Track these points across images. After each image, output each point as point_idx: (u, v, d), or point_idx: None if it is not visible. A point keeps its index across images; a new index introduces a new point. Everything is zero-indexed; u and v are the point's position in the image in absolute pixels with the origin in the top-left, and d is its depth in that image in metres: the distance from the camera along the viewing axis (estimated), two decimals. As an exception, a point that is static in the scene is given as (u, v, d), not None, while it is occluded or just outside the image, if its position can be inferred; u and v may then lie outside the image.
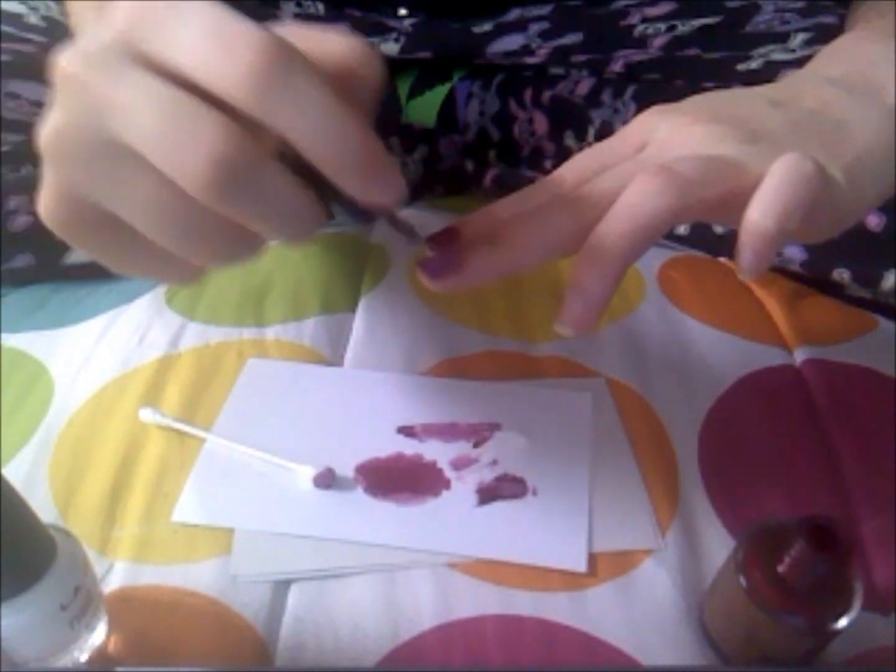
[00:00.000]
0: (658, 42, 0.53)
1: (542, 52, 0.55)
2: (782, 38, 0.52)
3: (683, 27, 0.52)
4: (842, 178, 0.29)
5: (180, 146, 0.22)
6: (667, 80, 0.56)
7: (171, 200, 0.23)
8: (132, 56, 0.23)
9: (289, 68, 0.22)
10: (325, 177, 0.24)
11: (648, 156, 0.31)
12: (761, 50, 0.53)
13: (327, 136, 0.22)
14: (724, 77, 0.54)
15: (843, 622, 0.30)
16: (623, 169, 0.30)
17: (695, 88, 0.53)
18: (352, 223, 0.27)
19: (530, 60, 0.57)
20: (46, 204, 0.25)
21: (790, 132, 0.30)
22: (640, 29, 0.52)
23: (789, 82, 0.35)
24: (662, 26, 0.52)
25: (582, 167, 0.32)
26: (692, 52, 0.54)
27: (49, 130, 0.23)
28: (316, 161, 0.23)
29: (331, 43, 0.25)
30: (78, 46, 0.23)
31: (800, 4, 0.51)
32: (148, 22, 0.23)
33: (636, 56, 0.55)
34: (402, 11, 0.52)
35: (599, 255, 0.27)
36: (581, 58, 0.56)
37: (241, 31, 0.22)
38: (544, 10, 0.51)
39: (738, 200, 0.28)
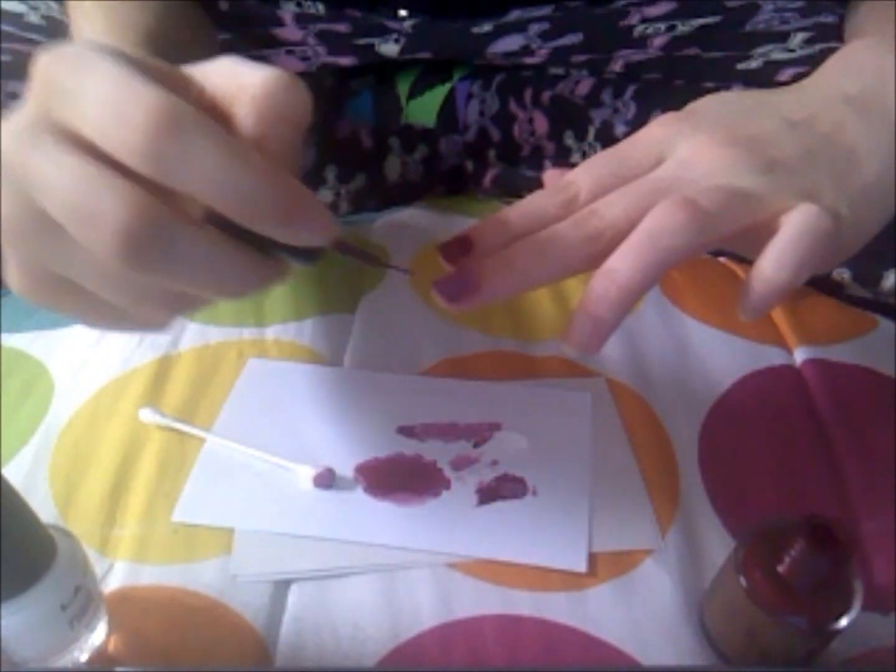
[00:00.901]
0: (658, 42, 0.53)
1: (542, 53, 0.55)
2: (782, 37, 0.52)
3: (683, 27, 0.52)
4: (847, 213, 0.29)
5: (88, 219, 0.22)
6: (667, 80, 0.56)
7: (103, 266, 0.23)
8: (49, 128, 0.23)
9: (183, 129, 0.21)
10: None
11: (666, 176, 0.30)
12: (761, 49, 0.53)
13: (234, 189, 0.22)
14: (725, 77, 0.54)
15: (843, 622, 0.30)
16: (640, 190, 0.30)
17: (695, 88, 0.53)
18: (301, 264, 0.27)
19: (530, 61, 0.57)
20: (11, 278, 0.26)
21: (805, 162, 0.30)
22: (639, 29, 0.52)
23: (805, 96, 0.34)
24: (662, 26, 0.52)
25: (597, 175, 0.31)
26: (692, 51, 0.54)
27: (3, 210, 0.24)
28: (230, 214, 0.22)
29: (251, 76, 0.24)
30: (10, 124, 0.24)
31: (799, 4, 0.51)
32: (56, 90, 0.23)
33: (636, 56, 0.55)
34: (402, 13, 0.52)
35: (614, 283, 0.27)
36: (581, 58, 0.56)
37: (133, 96, 0.21)
38: (544, 10, 0.51)
39: (751, 233, 0.28)
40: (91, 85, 0.22)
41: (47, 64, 0.24)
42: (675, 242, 0.27)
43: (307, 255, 0.26)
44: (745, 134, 0.31)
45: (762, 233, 0.28)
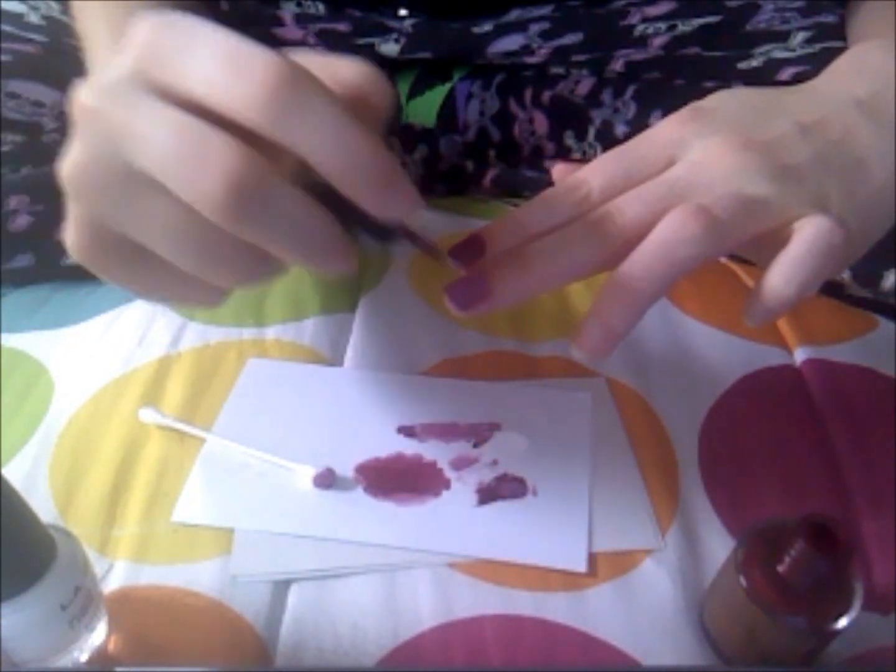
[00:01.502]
0: (658, 41, 0.53)
1: (542, 52, 0.55)
2: (783, 36, 0.52)
3: (684, 26, 0.52)
4: (853, 220, 0.29)
5: (194, 170, 0.22)
6: (667, 80, 0.56)
7: (189, 225, 0.23)
8: (147, 86, 0.23)
9: (301, 88, 0.22)
10: (344, 198, 0.24)
11: (679, 179, 0.30)
12: (761, 49, 0.53)
13: (342, 152, 0.23)
14: (725, 76, 0.54)
15: (843, 622, 0.30)
16: (653, 192, 0.30)
17: (695, 88, 0.53)
18: (373, 243, 0.28)
19: (530, 60, 0.57)
20: (72, 237, 0.26)
21: (816, 167, 0.30)
22: (640, 28, 0.52)
23: (817, 98, 0.34)
24: (663, 26, 0.52)
25: (609, 174, 0.31)
26: (693, 51, 0.54)
27: (69, 164, 0.24)
28: (332, 177, 0.23)
29: (343, 69, 0.25)
30: (94, 80, 0.24)
31: (800, 3, 0.51)
32: (161, 52, 0.23)
33: (637, 56, 0.55)
34: (403, 12, 0.52)
35: (627, 291, 0.27)
36: (581, 57, 0.56)
37: (253, 55, 0.22)
38: (544, 10, 0.51)
39: (762, 240, 0.28)
40: (205, 47, 0.23)
41: (151, 29, 0.24)
42: (689, 253, 0.27)
43: (384, 234, 0.27)
44: (758, 138, 0.31)
45: (772, 240, 0.29)
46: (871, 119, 0.32)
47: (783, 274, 0.28)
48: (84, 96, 0.24)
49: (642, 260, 0.27)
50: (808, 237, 0.28)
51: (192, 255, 0.24)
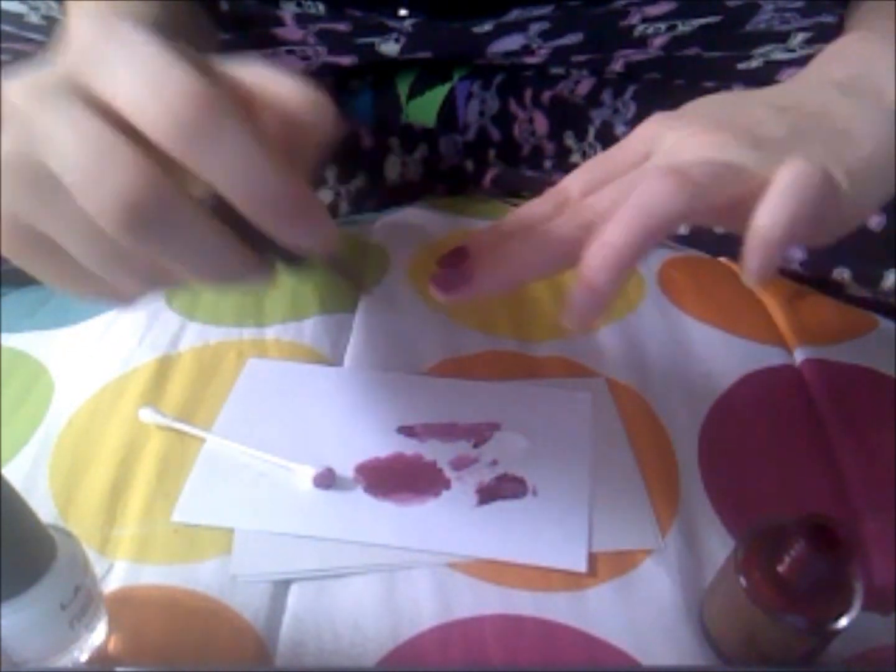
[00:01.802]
0: (658, 42, 0.53)
1: (542, 53, 0.55)
2: (782, 37, 0.52)
3: (684, 27, 0.52)
4: (845, 183, 0.29)
5: (96, 181, 0.22)
6: (667, 80, 0.56)
7: (93, 231, 0.24)
8: (73, 90, 0.23)
9: (214, 117, 0.22)
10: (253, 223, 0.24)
11: (653, 165, 0.31)
12: (761, 49, 0.53)
13: (250, 183, 0.23)
14: (725, 77, 0.54)
15: (843, 622, 0.30)
16: (628, 179, 0.30)
17: (695, 88, 0.53)
18: (287, 269, 0.28)
19: (530, 60, 0.57)
20: None
21: (794, 139, 0.30)
22: (640, 29, 0.52)
23: (792, 86, 0.35)
24: (662, 26, 0.52)
25: (587, 178, 0.32)
26: (692, 51, 0.54)
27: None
28: (241, 207, 0.23)
29: (285, 88, 0.25)
30: (26, 78, 0.24)
31: (799, 4, 0.51)
32: (93, 57, 0.23)
33: (636, 56, 0.55)
34: (403, 12, 0.52)
35: (608, 250, 0.27)
36: (581, 58, 0.56)
37: (175, 76, 0.22)
38: (544, 10, 0.51)
39: (743, 206, 0.28)
40: (132, 58, 0.23)
41: (91, 32, 0.24)
42: (666, 208, 0.27)
43: (296, 261, 0.27)
44: (731, 122, 0.31)
45: (754, 206, 0.28)
46: (849, 95, 0.32)
47: (766, 214, 0.27)
48: (13, 92, 0.24)
49: (622, 219, 0.27)
50: (785, 177, 0.28)
51: (98, 260, 0.25)
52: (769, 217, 0.27)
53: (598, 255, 0.27)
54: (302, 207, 0.24)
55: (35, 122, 0.23)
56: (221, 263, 0.24)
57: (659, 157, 0.31)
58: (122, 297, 0.28)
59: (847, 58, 0.35)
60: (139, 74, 0.22)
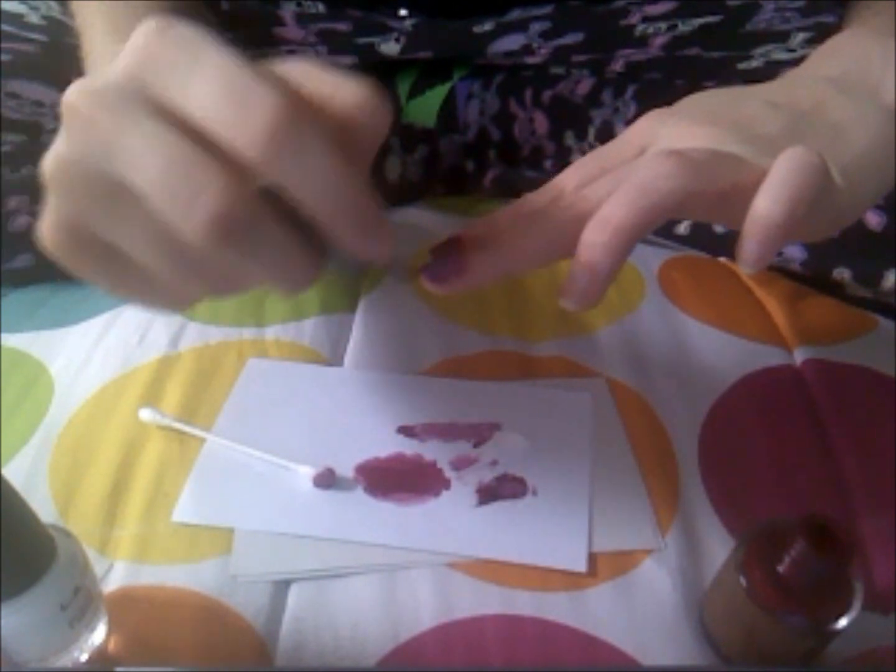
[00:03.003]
0: (659, 41, 0.53)
1: (542, 52, 0.55)
2: (783, 37, 0.52)
3: (684, 26, 0.52)
4: (840, 179, 0.29)
5: (182, 197, 0.22)
6: (668, 80, 0.56)
7: (169, 241, 0.24)
8: (141, 97, 0.23)
9: (299, 131, 0.22)
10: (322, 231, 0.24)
11: (651, 153, 0.31)
12: (761, 49, 0.53)
13: (331, 197, 0.23)
14: (725, 76, 0.54)
15: (843, 622, 0.30)
16: (623, 171, 0.30)
17: (695, 88, 0.53)
18: (343, 272, 0.29)
19: (531, 60, 0.57)
20: (47, 229, 0.26)
21: (788, 134, 0.30)
22: (640, 28, 0.52)
23: (786, 82, 0.35)
24: (663, 25, 0.52)
25: (583, 172, 0.32)
26: (693, 51, 0.54)
27: (53, 158, 0.24)
28: (320, 218, 0.24)
29: (344, 89, 0.25)
30: (88, 82, 0.24)
31: (800, 3, 0.51)
32: (161, 64, 0.23)
33: (637, 56, 0.55)
34: (403, 12, 0.52)
35: (608, 229, 0.27)
36: (582, 57, 0.56)
37: (258, 89, 0.22)
38: (545, 9, 0.51)
39: (739, 196, 0.28)
40: (212, 71, 0.22)
41: (154, 36, 0.23)
42: (666, 186, 0.27)
43: (357, 266, 0.28)
44: (726, 117, 0.31)
45: (750, 197, 0.28)
46: (842, 91, 0.32)
47: (765, 197, 0.27)
48: (75, 97, 0.23)
49: (622, 197, 0.27)
50: (784, 162, 0.27)
51: (168, 266, 0.25)
52: (770, 198, 0.27)
53: (597, 232, 0.27)
54: (372, 218, 0.24)
55: (105, 130, 0.23)
56: (294, 269, 0.25)
57: (655, 149, 0.31)
58: (179, 303, 0.28)
59: (841, 55, 0.35)
60: (219, 85, 0.22)
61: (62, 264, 0.26)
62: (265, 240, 0.23)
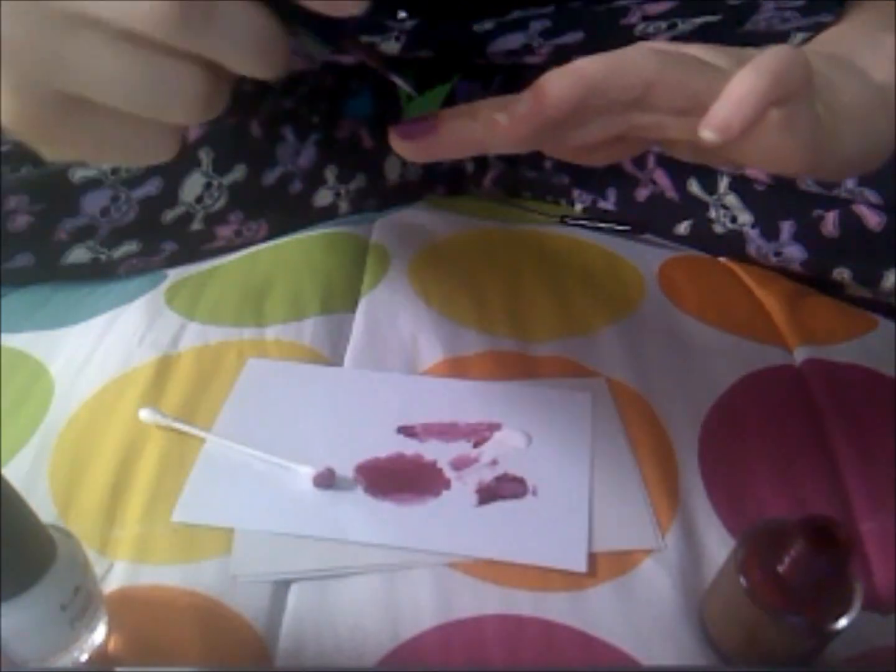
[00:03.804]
0: (660, 40, 0.53)
1: (542, 52, 0.55)
2: (782, 37, 0.52)
3: (684, 25, 0.52)
4: (824, 113, 0.29)
5: None
6: None
7: (131, 55, 0.23)
8: None
9: None
10: None
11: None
12: (763, 48, 0.53)
13: None
14: None
15: (843, 622, 0.30)
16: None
17: None
18: (319, 45, 0.27)
19: (531, 60, 0.57)
20: (9, 105, 0.24)
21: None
22: (640, 28, 0.52)
23: None
24: (663, 24, 0.52)
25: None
26: None
27: (2, 22, 0.23)
28: None
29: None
30: None
31: (799, 3, 0.51)
32: None
33: None
34: (402, 14, 0.52)
35: (756, 71, 0.26)
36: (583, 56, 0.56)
37: None
38: (545, 9, 0.51)
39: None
40: None
41: None
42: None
43: (328, 36, 0.27)
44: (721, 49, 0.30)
45: None
46: (833, 65, 0.31)
47: (749, 67, 0.26)
48: None
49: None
50: (768, 51, 0.27)
51: (138, 89, 0.24)
52: (750, 69, 0.26)
53: (748, 72, 0.26)
54: None
55: None
56: (263, 44, 0.24)
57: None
58: (161, 144, 0.26)
59: (829, 44, 0.35)
60: None
61: (33, 141, 0.25)
62: (226, 14, 0.22)
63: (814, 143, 0.29)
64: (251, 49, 0.24)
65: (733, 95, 0.26)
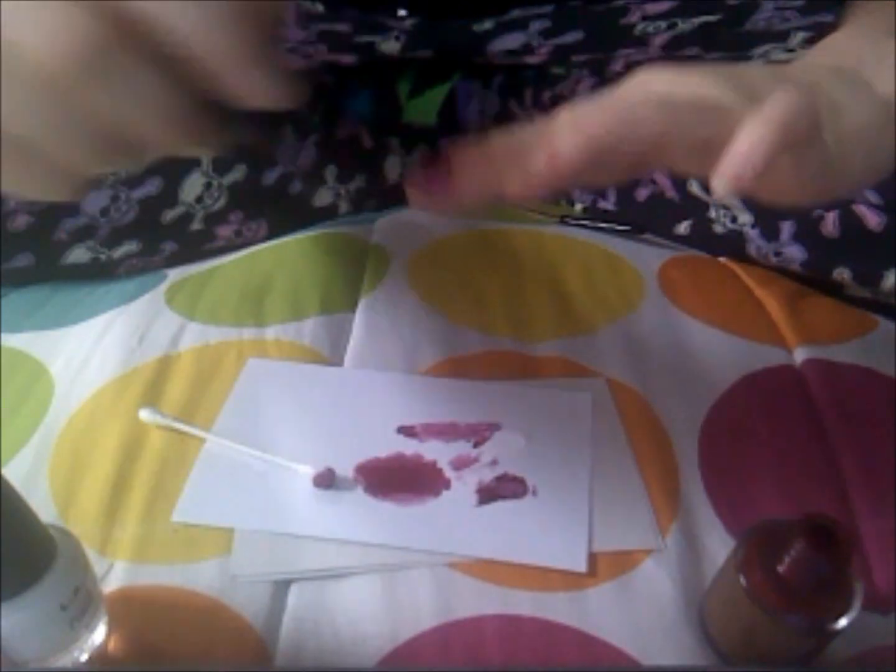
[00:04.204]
0: (658, 41, 0.53)
1: (542, 51, 0.55)
2: (782, 36, 0.52)
3: (684, 24, 0.52)
4: (832, 141, 0.29)
5: (45, 26, 0.21)
6: None
7: (42, 92, 0.22)
8: None
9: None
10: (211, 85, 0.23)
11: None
12: (760, 49, 0.53)
13: (202, 25, 0.22)
14: None
15: (843, 622, 0.30)
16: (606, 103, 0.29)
17: None
18: (250, 133, 0.27)
19: (531, 60, 0.57)
20: None
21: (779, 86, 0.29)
22: (640, 27, 0.52)
23: (782, 67, 0.35)
24: (663, 24, 0.52)
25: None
26: (693, 51, 0.54)
27: None
28: (185, 39, 0.22)
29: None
30: None
31: (799, 3, 0.51)
32: None
33: (637, 56, 0.55)
34: (402, 13, 0.52)
35: (764, 122, 0.26)
36: (582, 58, 0.56)
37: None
38: (545, 8, 0.51)
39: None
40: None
41: None
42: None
43: (261, 122, 0.26)
44: (723, 73, 0.30)
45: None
46: (841, 81, 0.31)
47: (757, 118, 0.26)
48: None
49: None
50: (776, 98, 0.27)
51: (46, 129, 0.23)
52: (758, 120, 0.26)
53: (757, 122, 0.26)
54: (249, 54, 0.23)
55: None
56: (168, 117, 0.23)
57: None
58: (68, 185, 0.26)
59: (833, 52, 0.35)
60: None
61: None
62: (130, 77, 0.22)
63: (823, 176, 0.29)
64: (154, 119, 0.23)
65: (743, 148, 0.26)
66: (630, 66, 0.56)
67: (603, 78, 0.58)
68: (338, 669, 0.35)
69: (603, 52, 0.55)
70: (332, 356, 0.49)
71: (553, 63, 0.58)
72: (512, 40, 0.54)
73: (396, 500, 0.40)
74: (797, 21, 0.52)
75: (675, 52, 0.54)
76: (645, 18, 0.52)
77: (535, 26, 0.52)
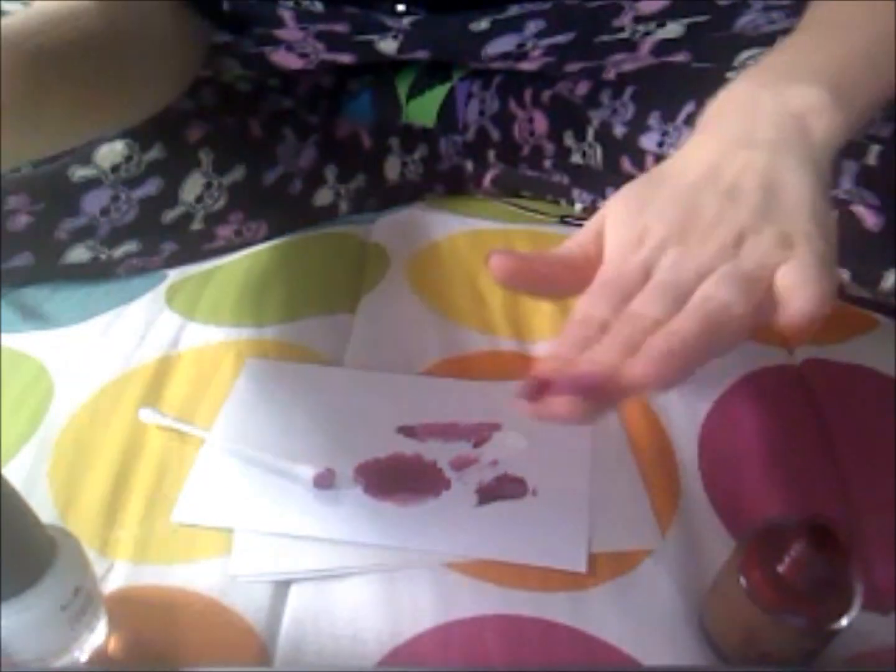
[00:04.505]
0: (647, 45, 0.53)
1: (536, 55, 0.55)
2: (769, 39, 0.52)
3: (673, 25, 0.52)
4: (833, 262, 0.32)
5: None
6: (659, 88, 0.56)
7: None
8: None
9: None
10: None
11: (666, 282, 0.32)
12: (748, 53, 0.53)
13: None
14: (713, 85, 0.54)
15: (843, 622, 0.30)
16: (654, 292, 0.32)
17: (687, 96, 0.54)
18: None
19: (525, 66, 0.57)
20: None
21: (757, 221, 0.32)
22: (630, 29, 0.52)
23: (700, 153, 0.35)
24: (653, 24, 0.52)
25: (604, 302, 0.33)
26: (681, 57, 0.54)
27: None
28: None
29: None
30: None
31: (786, 2, 0.51)
32: None
33: (627, 64, 0.55)
34: (400, 8, 0.52)
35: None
36: (575, 66, 0.56)
37: None
38: (542, 6, 0.51)
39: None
40: None
41: None
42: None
43: None
44: (699, 221, 0.32)
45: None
46: (770, 151, 0.33)
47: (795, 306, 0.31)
48: None
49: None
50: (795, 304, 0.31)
51: None
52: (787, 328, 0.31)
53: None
54: None
55: None
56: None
57: (666, 275, 0.32)
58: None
59: (746, 106, 0.37)
60: None
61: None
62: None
63: (833, 292, 0.31)
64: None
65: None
66: (621, 75, 0.56)
67: (601, 79, 0.58)
68: (338, 670, 0.35)
69: (593, 56, 0.55)
70: (332, 356, 0.49)
71: (547, 70, 0.58)
72: (507, 42, 0.54)
73: (396, 501, 0.40)
74: (782, 23, 0.52)
75: (663, 57, 0.54)
76: (637, 19, 0.52)
77: (531, 27, 0.52)
